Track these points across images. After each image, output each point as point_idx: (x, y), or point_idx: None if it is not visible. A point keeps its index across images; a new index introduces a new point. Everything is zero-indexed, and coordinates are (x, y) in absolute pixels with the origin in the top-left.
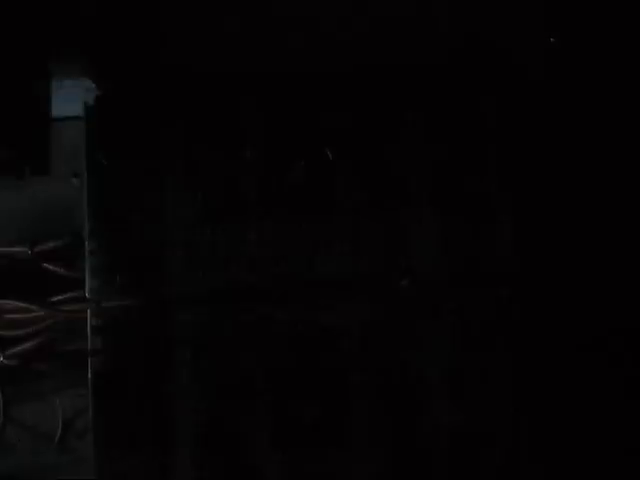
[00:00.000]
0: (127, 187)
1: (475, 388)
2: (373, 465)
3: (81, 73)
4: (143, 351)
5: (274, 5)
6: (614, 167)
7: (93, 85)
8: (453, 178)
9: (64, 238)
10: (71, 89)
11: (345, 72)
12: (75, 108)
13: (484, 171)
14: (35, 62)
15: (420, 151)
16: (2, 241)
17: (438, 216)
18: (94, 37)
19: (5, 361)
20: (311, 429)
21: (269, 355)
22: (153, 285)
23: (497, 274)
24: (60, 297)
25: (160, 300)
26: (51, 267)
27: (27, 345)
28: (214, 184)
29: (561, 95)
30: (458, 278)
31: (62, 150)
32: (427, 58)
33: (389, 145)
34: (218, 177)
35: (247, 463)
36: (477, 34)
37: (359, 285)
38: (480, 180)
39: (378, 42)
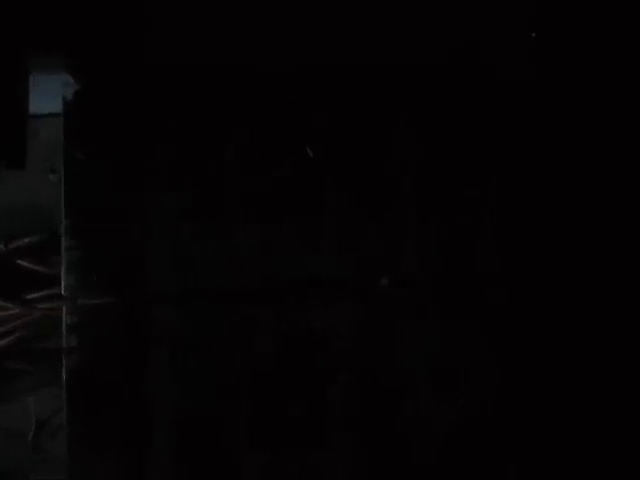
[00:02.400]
0: (105, 184)
1: (461, 389)
2: (357, 466)
3: (59, 67)
4: (119, 350)
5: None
6: (601, 168)
7: (72, 80)
8: (439, 179)
9: (40, 234)
10: (49, 84)
11: (333, 70)
12: (53, 103)
13: (471, 173)
14: (12, 56)
15: (408, 152)
16: None
17: (424, 217)
18: (73, 30)
19: None
20: (294, 430)
21: (251, 355)
22: (130, 283)
23: (481, 275)
24: (35, 294)
25: (137, 299)
26: (26, 264)
27: (2, 343)
28: (196, 181)
29: (547, 97)
30: (444, 279)
31: (39, 145)
32: (416, 58)
33: (377, 145)
34: (200, 174)
35: (226, 465)
36: (466, 36)
37: (344, 285)
38: (466, 181)
39: (368, 41)
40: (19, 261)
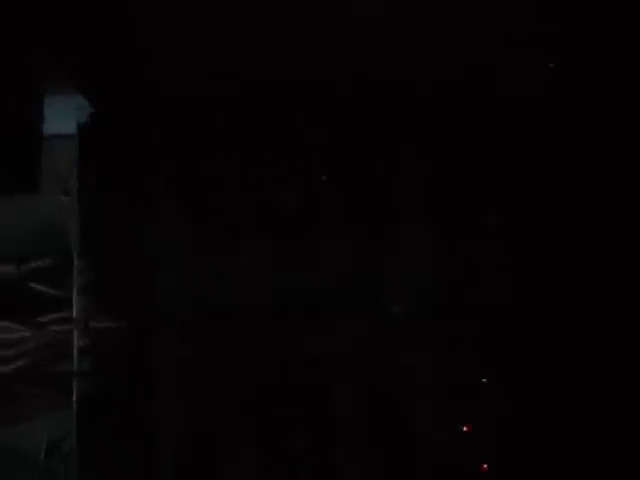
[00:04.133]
0: (118, 207)
1: (464, 417)
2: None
3: (74, 90)
4: (130, 372)
5: (259, 22)
6: (604, 188)
7: (86, 103)
8: (446, 204)
9: (53, 257)
10: (64, 107)
11: (339, 88)
12: (68, 126)
13: (476, 196)
14: (28, 80)
15: (414, 179)
16: None
17: (430, 243)
18: (89, 55)
19: None
20: (295, 450)
21: (256, 375)
22: (141, 306)
23: (488, 305)
24: (47, 317)
25: (148, 321)
26: (38, 286)
27: (12, 366)
28: (204, 206)
29: (553, 117)
30: (448, 308)
31: (53, 168)
32: (416, 76)
33: (384, 169)
34: (208, 200)
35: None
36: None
37: (346, 308)
38: (472, 206)
39: (367, 58)
40: (31, 284)
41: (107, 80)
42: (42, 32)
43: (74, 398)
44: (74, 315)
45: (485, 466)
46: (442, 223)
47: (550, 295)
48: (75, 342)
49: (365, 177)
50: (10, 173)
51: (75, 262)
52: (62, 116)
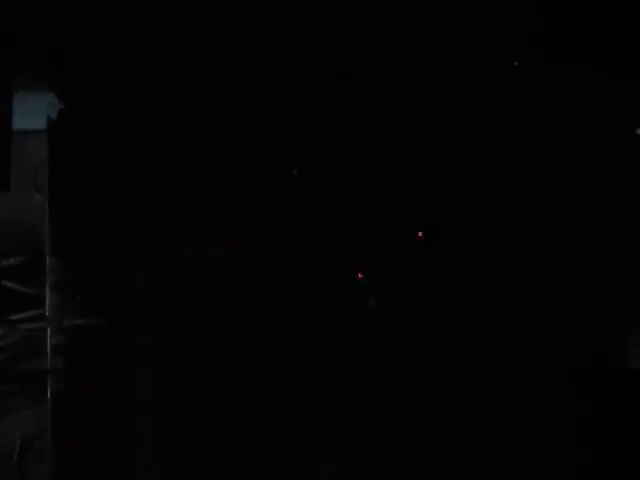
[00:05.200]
0: (90, 203)
1: (444, 408)
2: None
3: (45, 87)
4: (104, 370)
5: (247, 8)
6: (583, 183)
7: (56, 99)
8: (422, 201)
9: (25, 255)
10: (34, 103)
11: (306, 81)
12: (38, 122)
13: (453, 193)
14: None
15: (389, 173)
16: None
17: (406, 238)
18: (58, 50)
19: None
20: (277, 443)
21: (233, 373)
22: (115, 303)
23: (460, 303)
24: (20, 315)
25: (122, 318)
26: (10, 284)
27: None
28: (178, 201)
29: (531, 112)
30: (426, 303)
31: (24, 165)
32: (396, 70)
33: (358, 163)
34: (182, 194)
35: None
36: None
37: (325, 304)
38: (450, 202)
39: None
40: (3, 281)
41: (78, 76)
42: (11, 28)
43: (48, 395)
44: (47, 313)
45: None
46: (415, 219)
47: (528, 296)
48: (49, 340)
49: (337, 172)
50: None
51: (47, 260)
52: (31, 112)
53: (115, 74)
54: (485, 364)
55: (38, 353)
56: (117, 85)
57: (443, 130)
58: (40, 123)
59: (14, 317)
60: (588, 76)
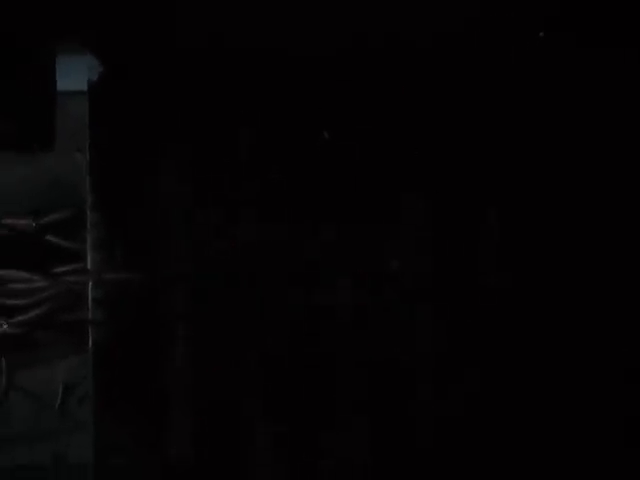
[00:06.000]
0: (129, 163)
1: (461, 378)
2: (358, 447)
3: (85, 49)
4: (142, 323)
5: None
6: (602, 173)
7: (97, 61)
8: (446, 179)
9: (67, 211)
10: (76, 64)
11: (343, 62)
12: (79, 83)
13: (477, 175)
14: (41, 38)
15: (415, 150)
16: (7, 213)
17: (428, 214)
18: (99, 13)
19: (9, 329)
20: (301, 406)
21: (260, 331)
22: (152, 259)
23: (483, 285)
24: (62, 268)
25: (159, 274)
26: (54, 239)
27: (30, 314)
28: (213, 165)
29: (553, 98)
30: (444, 276)
31: (66, 125)
32: (428, 49)
33: (384, 141)
34: (217, 157)
35: (241, 433)
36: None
37: (347, 269)
38: (471, 183)
39: (379, 28)
40: (47, 237)
41: (119, 41)
42: None
43: (89, 345)
44: (88, 267)
45: None
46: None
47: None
48: (89, 292)
49: (365, 144)
50: (25, 131)
51: (88, 216)
52: (73, 74)
53: (156, 41)
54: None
55: (80, 304)
56: (157, 51)
57: (469, 111)
58: (81, 85)
59: (57, 270)
60: (616, 59)
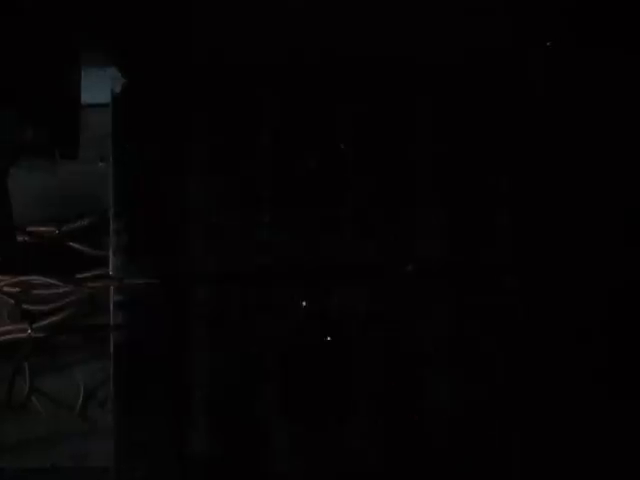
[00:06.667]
0: (150, 172)
1: (475, 371)
2: (374, 441)
3: (109, 61)
4: (161, 326)
5: None
6: (611, 161)
7: (119, 73)
8: (458, 170)
9: (90, 219)
10: (100, 77)
11: (360, 64)
12: (103, 95)
13: (488, 164)
14: (67, 50)
15: (429, 142)
16: (32, 220)
17: (443, 206)
18: (123, 26)
19: (33, 333)
20: (316, 403)
21: (279, 331)
22: (173, 264)
23: (497, 265)
24: (85, 274)
25: (179, 279)
26: (77, 246)
27: (53, 319)
28: (232, 170)
29: (561, 93)
30: (460, 267)
31: (90, 135)
32: (439, 56)
33: (400, 135)
34: (236, 164)
35: (257, 433)
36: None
37: (366, 269)
38: (484, 173)
39: (395, 35)
40: (71, 243)
41: (141, 53)
42: (80, 10)
43: (111, 349)
44: (110, 272)
45: None
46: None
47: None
48: (111, 297)
49: (379, 143)
50: (51, 141)
51: (111, 224)
52: (97, 86)
53: (176, 53)
54: None
55: (101, 310)
56: (177, 62)
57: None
58: (104, 97)
59: (80, 276)
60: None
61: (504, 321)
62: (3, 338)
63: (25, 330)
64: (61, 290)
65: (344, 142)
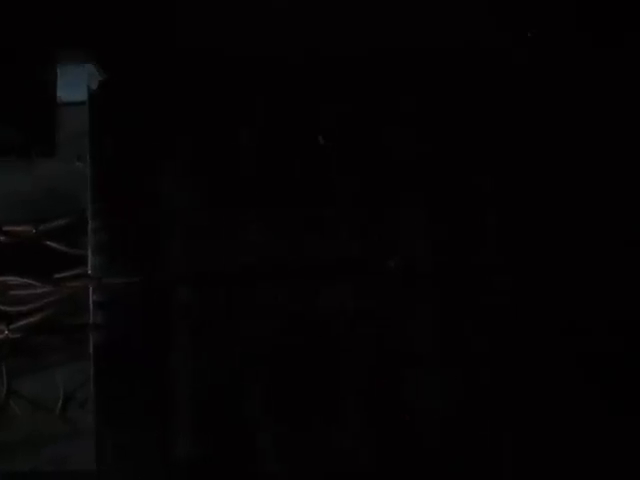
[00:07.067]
0: (129, 170)
1: (460, 369)
2: (363, 440)
3: (85, 58)
4: (142, 326)
5: None
6: (598, 159)
7: (96, 70)
8: (444, 170)
9: (68, 218)
10: (76, 74)
11: (344, 64)
12: (79, 93)
13: (473, 164)
14: (42, 48)
15: (413, 141)
16: (8, 220)
17: (427, 204)
18: (99, 24)
19: (10, 335)
20: (303, 403)
21: (263, 331)
22: (152, 264)
23: (486, 265)
24: (63, 274)
25: (158, 278)
26: (55, 245)
27: (31, 319)
28: (213, 169)
29: (548, 91)
30: (443, 265)
31: (67, 133)
32: (422, 55)
33: (384, 134)
34: (217, 162)
35: (242, 434)
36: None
37: (350, 267)
38: (469, 172)
39: (383, 30)
40: (48, 243)
41: (118, 49)
42: (56, 7)
43: (90, 350)
44: (89, 272)
45: None
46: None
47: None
48: (90, 297)
49: (369, 143)
50: (27, 140)
51: (89, 223)
52: (73, 84)
53: (154, 50)
54: None
55: (80, 309)
56: (156, 59)
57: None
58: (81, 94)
59: (58, 275)
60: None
61: (494, 321)
62: None
63: (2, 331)
64: (39, 290)
65: (325, 139)
